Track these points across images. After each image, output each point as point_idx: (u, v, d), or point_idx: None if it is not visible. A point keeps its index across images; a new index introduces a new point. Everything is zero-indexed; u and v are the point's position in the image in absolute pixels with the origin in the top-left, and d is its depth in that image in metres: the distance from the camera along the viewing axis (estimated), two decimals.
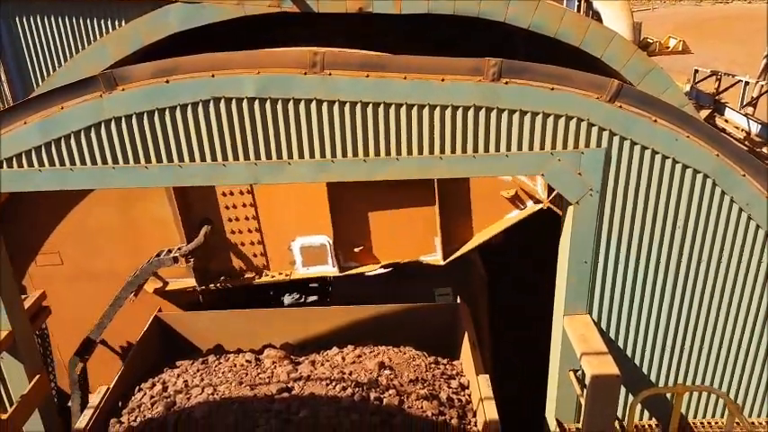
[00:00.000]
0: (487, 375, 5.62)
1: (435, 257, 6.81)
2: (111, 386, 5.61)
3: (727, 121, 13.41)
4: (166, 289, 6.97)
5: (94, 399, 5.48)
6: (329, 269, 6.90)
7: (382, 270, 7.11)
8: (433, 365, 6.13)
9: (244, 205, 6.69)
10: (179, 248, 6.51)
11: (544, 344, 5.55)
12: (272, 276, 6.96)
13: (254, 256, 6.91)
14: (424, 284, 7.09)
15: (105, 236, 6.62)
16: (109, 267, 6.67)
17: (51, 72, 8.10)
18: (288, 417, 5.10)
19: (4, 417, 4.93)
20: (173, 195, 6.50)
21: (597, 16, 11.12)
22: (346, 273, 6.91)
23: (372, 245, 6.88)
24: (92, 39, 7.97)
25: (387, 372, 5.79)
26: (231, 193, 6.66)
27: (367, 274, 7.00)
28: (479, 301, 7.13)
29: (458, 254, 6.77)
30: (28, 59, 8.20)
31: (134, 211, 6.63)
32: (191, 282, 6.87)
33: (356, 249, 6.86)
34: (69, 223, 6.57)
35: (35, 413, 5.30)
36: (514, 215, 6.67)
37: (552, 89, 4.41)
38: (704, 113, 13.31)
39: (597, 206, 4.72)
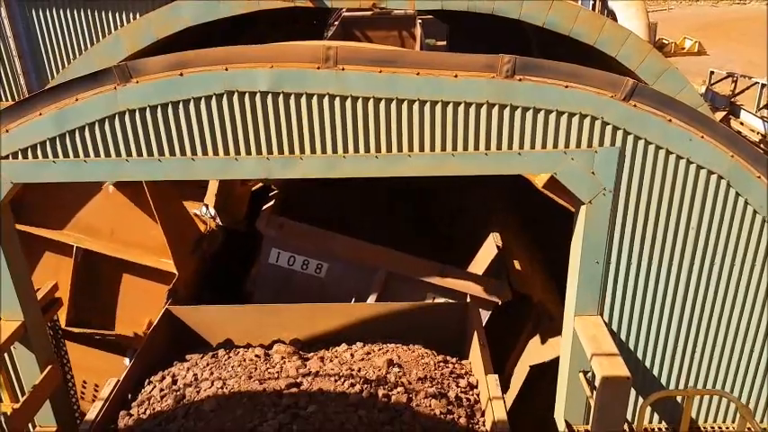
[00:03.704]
0: (497, 375, 5.60)
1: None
2: (121, 378, 5.64)
3: (742, 123, 13.28)
4: None
5: (104, 391, 5.51)
6: None
7: None
8: (441, 364, 6.11)
9: None
10: None
11: None
12: None
13: None
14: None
15: None
16: None
17: (66, 64, 8.15)
18: (296, 411, 5.10)
19: (16, 406, 4.98)
20: None
21: (612, 15, 11.05)
22: None
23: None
24: (107, 31, 8.02)
25: (395, 369, 5.78)
26: None
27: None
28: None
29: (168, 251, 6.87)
30: (43, 51, 8.25)
31: None
32: None
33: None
34: None
35: (47, 404, 5.35)
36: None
37: (566, 87, 4.38)
38: (719, 116, 13.18)
39: (610, 206, 4.69)
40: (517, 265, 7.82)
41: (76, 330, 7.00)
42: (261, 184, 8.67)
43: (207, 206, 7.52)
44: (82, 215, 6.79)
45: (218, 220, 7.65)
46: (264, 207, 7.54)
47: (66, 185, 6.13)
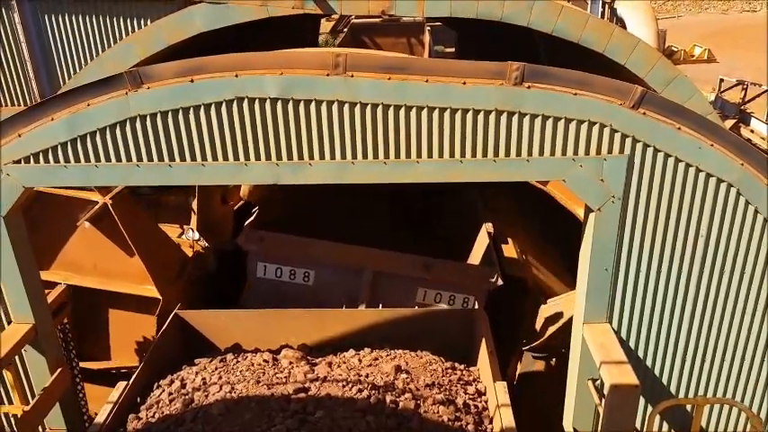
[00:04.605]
0: (505, 383, 5.58)
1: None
2: (130, 382, 5.67)
3: (752, 131, 13.20)
4: None
5: (114, 394, 5.54)
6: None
7: None
8: (449, 371, 6.10)
9: None
10: None
11: None
12: None
13: None
14: None
15: None
16: None
17: (78, 69, 8.22)
18: (304, 417, 5.11)
19: (27, 408, 5.01)
20: None
21: (621, 23, 11.05)
22: None
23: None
24: (118, 37, 8.09)
25: (403, 375, 5.78)
26: None
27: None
28: None
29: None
30: (55, 56, 8.33)
31: None
32: None
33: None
34: None
35: (56, 406, 5.38)
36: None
37: (575, 94, 4.39)
38: (729, 123, 13.11)
39: (619, 213, 4.68)
40: (511, 250, 7.82)
41: (95, 367, 7.14)
42: (242, 202, 8.74)
43: (192, 230, 7.65)
44: (64, 253, 6.96)
45: (202, 242, 7.77)
46: (246, 223, 7.61)
47: (42, 226, 6.23)
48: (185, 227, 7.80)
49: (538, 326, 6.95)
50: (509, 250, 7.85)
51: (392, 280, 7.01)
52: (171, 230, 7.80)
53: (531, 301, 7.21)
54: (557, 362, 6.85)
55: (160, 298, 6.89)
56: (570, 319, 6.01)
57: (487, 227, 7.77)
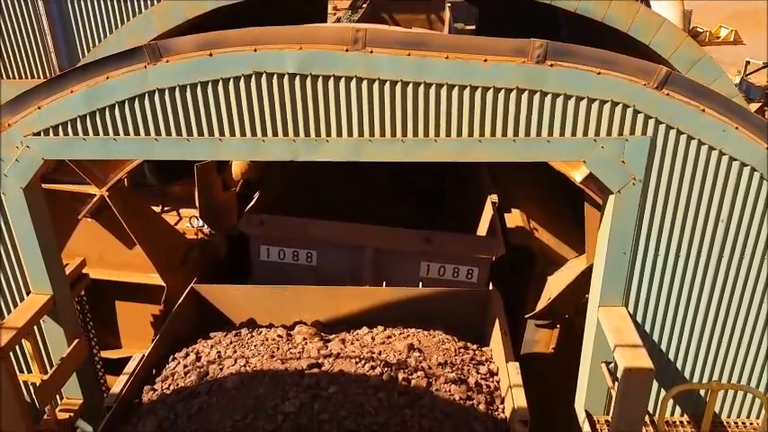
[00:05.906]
0: (517, 363, 5.58)
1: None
2: (146, 354, 5.74)
3: None
4: None
5: (130, 366, 5.61)
6: None
7: None
8: (462, 350, 6.11)
9: None
10: None
11: None
12: None
13: None
14: None
15: None
16: None
17: (97, 42, 8.21)
18: (317, 392, 5.15)
19: (45, 378, 5.10)
20: None
21: (646, 2, 10.82)
22: None
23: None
24: (137, 11, 8.05)
25: (416, 354, 5.80)
26: None
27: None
28: None
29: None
30: (74, 29, 8.32)
31: None
32: None
33: None
34: None
35: (73, 377, 5.47)
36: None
37: (598, 73, 4.31)
38: (754, 107, 12.87)
39: (639, 196, 4.62)
40: (518, 220, 7.77)
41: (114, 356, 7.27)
42: (241, 181, 8.69)
43: (195, 218, 7.69)
44: (70, 246, 7.03)
45: (205, 229, 7.81)
46: (247, 208, 7.65)
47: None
48: (183, 211, 7.85)
49: (544, 294, 6.92)
50: (515, 220, 7.80)
51: (394, 256, 6.99)
52: (173, 219, 7.88)
53: (538, 270, 7.18)
54: (560, 330, 6.81)
55: (164, 285, 6.95)
56: (573, 283, 5.98)
57: (492, 198, 7.74)
